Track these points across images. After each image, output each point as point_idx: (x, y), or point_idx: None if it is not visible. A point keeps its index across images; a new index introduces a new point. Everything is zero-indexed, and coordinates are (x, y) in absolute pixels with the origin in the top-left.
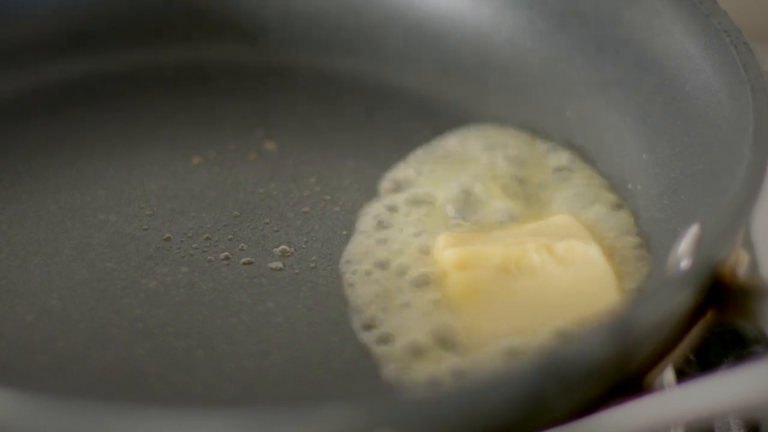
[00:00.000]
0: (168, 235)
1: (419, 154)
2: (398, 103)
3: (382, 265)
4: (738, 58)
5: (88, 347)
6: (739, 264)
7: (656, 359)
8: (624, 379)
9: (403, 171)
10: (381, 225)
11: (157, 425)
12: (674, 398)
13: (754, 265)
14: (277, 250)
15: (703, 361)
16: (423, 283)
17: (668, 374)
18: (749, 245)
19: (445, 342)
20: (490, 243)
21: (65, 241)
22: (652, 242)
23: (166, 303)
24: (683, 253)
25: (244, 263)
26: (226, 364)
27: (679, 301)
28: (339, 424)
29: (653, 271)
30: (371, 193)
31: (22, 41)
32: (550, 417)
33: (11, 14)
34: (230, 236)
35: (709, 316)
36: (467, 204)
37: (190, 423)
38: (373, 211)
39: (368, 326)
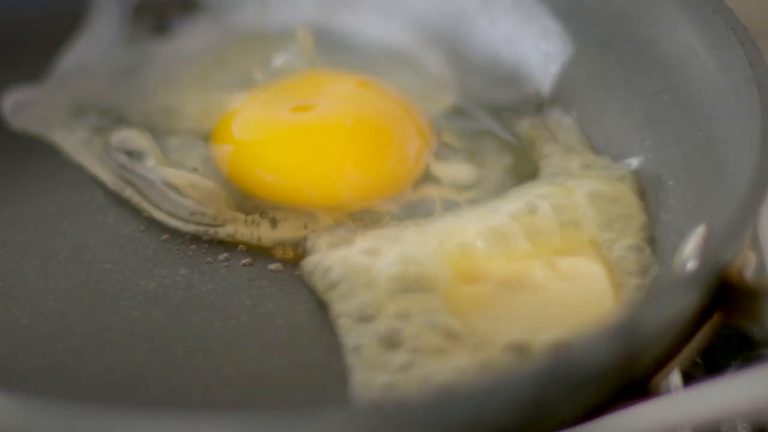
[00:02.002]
0: (167, 236)
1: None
2: None
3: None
4: (745, 56)
5: (85, 350)
6: (746, 265)
7: (663, 362)
8: (630, 381)
9: None
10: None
11: (156, 428)
12: (681, 402)
13: (761, 267)
14: (277, 252)
15: (710, 365)
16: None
17: (675, 377)
18: (757, 246)
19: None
20: (496, 258)
21: (62, 243)
22: (658, 243)
23: (165, 305)
24: (690, 254)
25: (244, 265)
26: (226, 367)
27: (685, 302)
28: (340, 428)
29: (659, 272)
30: None
31: (20, 40)
32: (555, 420)
33: (11, 12)
34: (230, 237)
35: (716, 318)
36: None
37: (188, 426)
38: None
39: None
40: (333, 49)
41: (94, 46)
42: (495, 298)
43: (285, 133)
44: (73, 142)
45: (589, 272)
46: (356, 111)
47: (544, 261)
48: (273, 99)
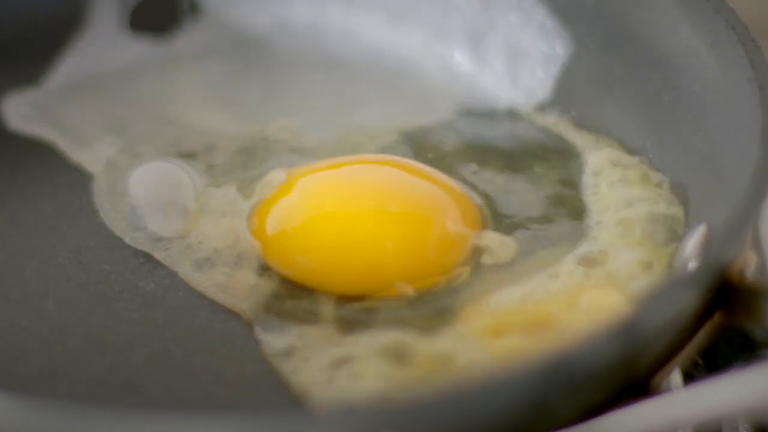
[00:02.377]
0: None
1: None
2: None
3: None
4: (746, 56)
5: (84, 352)
6: (747, 265)
7: (663, 361)
8: (630, 381)
9: None
10: None
11: (155, 428)
12: (681, 400)
13: (762, 267)
14: None
15: (711, 366)
16: None
17: (676, 377)
18: (758, 246)
19: None
20: (516, 309)
21: (62, 244)
22: None
23: (165, 306)
24: (690, 254)
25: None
26: (226, 369)
27: (686, 302)
28: (339, 428)
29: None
30: None
31: (20, 41)
32: (555, 420)
33: (10, 13)
34: None
35: (717, 318)
36: None
37: (188, 426)
38: None
39: None
40: (331, 50)
41: (94, 48)
42: (525, 346)
43: (325, 220)
44: (70, 144)
45: (610, 303)
46: (402, 197)
47: (563, 303)
48: (311, 185)
